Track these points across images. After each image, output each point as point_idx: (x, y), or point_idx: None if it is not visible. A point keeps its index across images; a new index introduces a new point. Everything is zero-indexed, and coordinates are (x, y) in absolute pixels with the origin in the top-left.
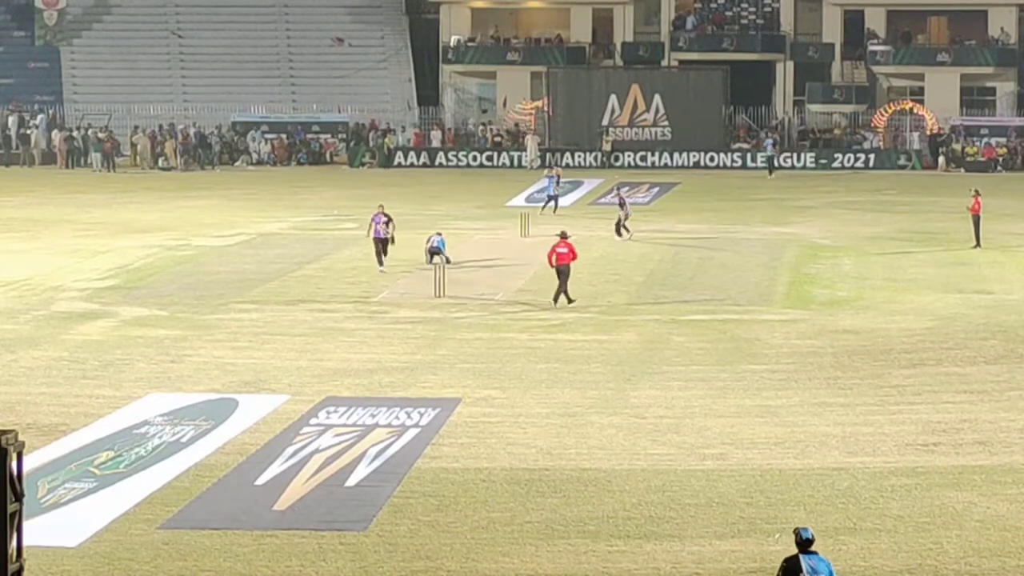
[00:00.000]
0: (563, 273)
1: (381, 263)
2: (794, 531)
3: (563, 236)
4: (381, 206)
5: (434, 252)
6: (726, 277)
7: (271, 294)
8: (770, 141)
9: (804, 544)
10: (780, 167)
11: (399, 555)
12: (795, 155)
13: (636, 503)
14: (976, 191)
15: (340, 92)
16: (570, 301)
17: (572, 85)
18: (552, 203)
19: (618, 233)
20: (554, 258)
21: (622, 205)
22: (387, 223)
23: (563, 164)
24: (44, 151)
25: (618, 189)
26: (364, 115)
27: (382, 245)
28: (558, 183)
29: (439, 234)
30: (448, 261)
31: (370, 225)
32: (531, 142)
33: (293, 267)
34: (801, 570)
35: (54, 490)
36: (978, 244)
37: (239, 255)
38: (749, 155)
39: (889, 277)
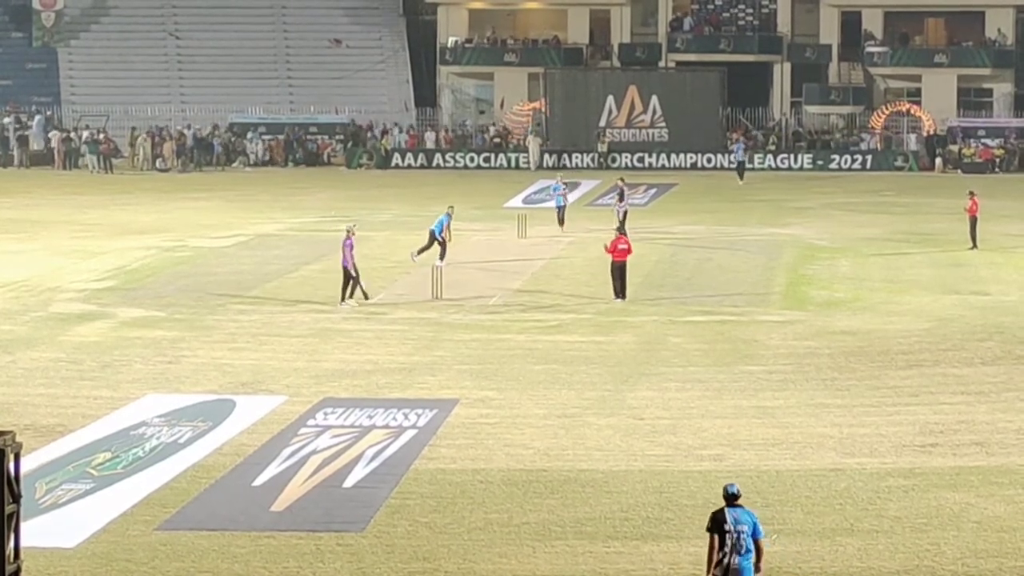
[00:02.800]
0: (623, 268)
1: (354, 295)
2: (723, 488)
3: (623, 232)
4: (352, 226)
5: (432, 241)
6: (723, 278)
7: (269, 295)
8: (740, 145)
9: (730, 499)
10: (778, 168)
11: (397, 556)
12: (792, 156)
13: (633, 504)
14: (972, 192)
15: (337, 93)
16: (621, 296)
17: (569, 86)
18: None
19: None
20: (615, 253)
21: (621, 197)
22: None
23: (560, 164)
24: (41, 152)
25: (621, 181)
26: (362, 116)
27: (352, 275)
28: (566, 193)
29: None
30: (443, 245)
31: (345, 250)
32: (533, 143)
33: (291, 268)
34: (726, 520)
35: (52, 491)
36: (975, 246)
37: (237, 256)
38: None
39: (886, 278)
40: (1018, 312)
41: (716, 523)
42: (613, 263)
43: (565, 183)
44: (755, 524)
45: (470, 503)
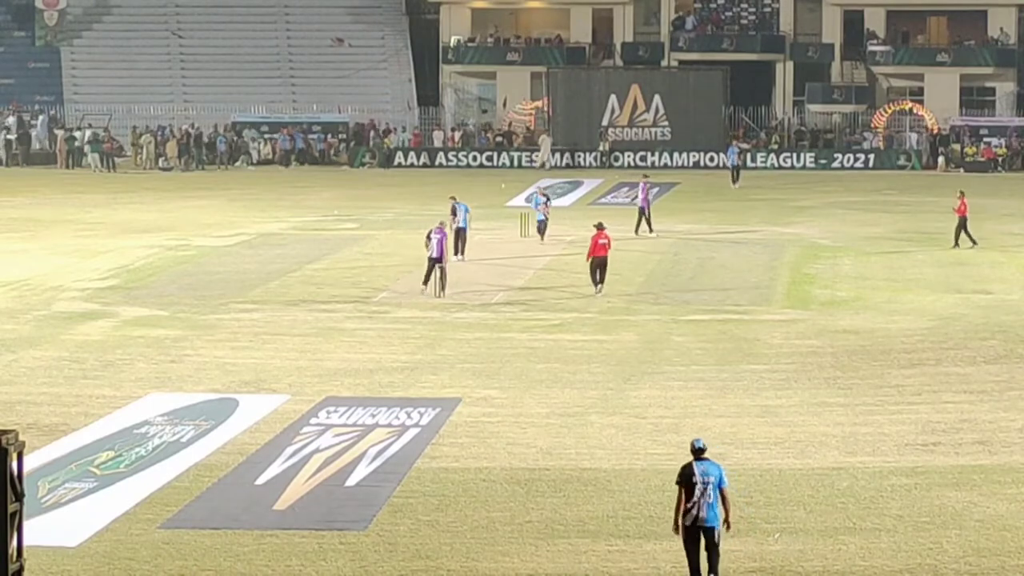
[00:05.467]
0: (603, 263)
1: (427, 284)
2: (690, 443)
3: (601, 228)
4: (442, 223)
5: (459, 232)
6: (726, 277)
7: (271, 294)
8: (734, 148)
9: (697, 453)
10: (780, 167)
11: (399, 555)
12: (794, 155)
13: (636, 503)
14: (961, 192)
15: (340, 92)
16: (596, 286)
17: (572, 85)
18: (543, 229)
19: (646, 227)
20: (595, 250)
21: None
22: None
23: (563, 164)
24: (43, 151)
25: (644, 178)
26: (364, 115)
27: (434, 266)
28: (547, 206)
29: (453, 199)
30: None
31: (430, 240)
32: (544, 143)
33: (293, 267)
34: (694, 473)
35: (54, 490)
36: (957, 243)
37: (239, 255)
38: (749, 155)
39: (889, 277)
40: (1020, 311)
41: (685, 476)
42: (593, 259)
43: (546, 195)
44: (721, 476)
45: (473, 502)
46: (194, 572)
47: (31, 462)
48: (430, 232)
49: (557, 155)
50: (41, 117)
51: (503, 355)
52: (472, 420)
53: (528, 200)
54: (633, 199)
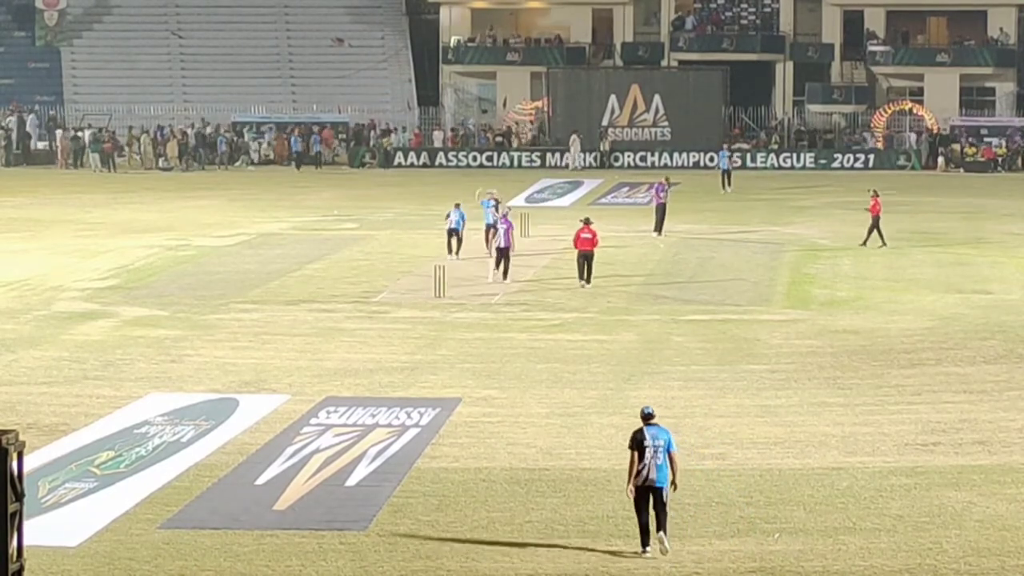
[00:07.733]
0: (587, 257)
1: (505, 276)
2: (640, 409)
3: (587, 222)
4: (507, 213)
5: (452, 233)
6: (726, 277)
7: (271, 294)
8: (724, 152)
9: (646, 418)
10: (780, 167)
11: (399, 555)
12: (794, 155)
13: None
14: (875, 191)
15: (340, 92)
16: (587, 283)
17: (572, 85)
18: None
19: (657, 228)
20: (577, 243)
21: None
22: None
23: (563, 164)
24: (41, 151)
25: (665, 180)
26: (364, 115)
27: (504, 256)
28: (496, 209)
29: (457, 206)
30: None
31: (497, 231)
32: (575, 144)
33: (293, 267)
34: (645, 437)
35: (54, 490)
36: (884, 243)
37: (239, 255)
38: (748, 155)
39: (888, 277)
40: (1020, 311)
41: (636, 441)
42: (578, 252)
43: (496, 199)
44: (669, 440)
45: (472, 502)
46: (194, 572)
47: (31, 462)
48: (495, 223)
49: (590, 156)
50: (31, 116)
51: (503, 355)
52: (472, 420)
53: (484, 206)
54: (649, 200)
